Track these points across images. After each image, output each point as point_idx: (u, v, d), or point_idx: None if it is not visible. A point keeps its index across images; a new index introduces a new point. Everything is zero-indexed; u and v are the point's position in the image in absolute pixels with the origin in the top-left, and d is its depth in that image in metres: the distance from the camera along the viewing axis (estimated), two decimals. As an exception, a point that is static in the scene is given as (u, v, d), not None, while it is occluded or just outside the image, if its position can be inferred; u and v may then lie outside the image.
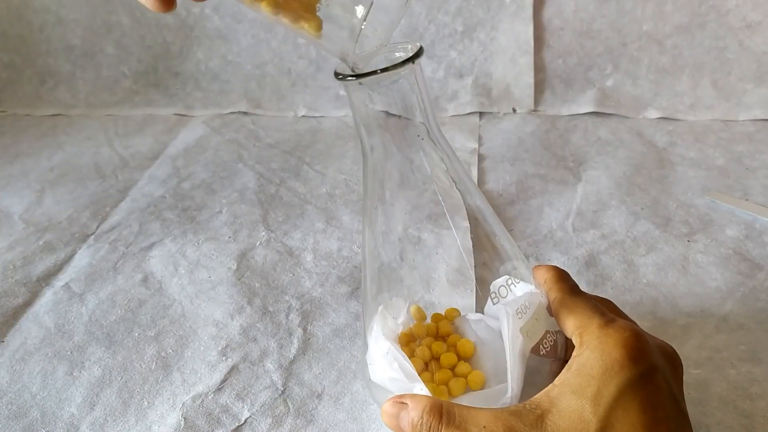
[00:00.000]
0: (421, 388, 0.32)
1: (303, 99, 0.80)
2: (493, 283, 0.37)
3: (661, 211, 0.57)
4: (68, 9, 0.81)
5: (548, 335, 0.34)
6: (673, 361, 0.29)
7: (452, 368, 0.36)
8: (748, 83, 0.73)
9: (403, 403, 0.30)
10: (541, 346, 0.33)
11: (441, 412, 0.28)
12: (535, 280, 0.37)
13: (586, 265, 0.51)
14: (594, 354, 0.27)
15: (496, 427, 0.27)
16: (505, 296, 0.36)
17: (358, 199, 0.61)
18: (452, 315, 0.41)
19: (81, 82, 0.83)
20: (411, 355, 0.35)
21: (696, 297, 0.47)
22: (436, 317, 0.40)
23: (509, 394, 0.32)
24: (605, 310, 0.30)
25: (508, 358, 0.32)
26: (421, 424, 0.28)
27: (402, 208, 0.37)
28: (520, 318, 0.33)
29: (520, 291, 0.36)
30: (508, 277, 0.37)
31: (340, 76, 0.31)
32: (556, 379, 0.28)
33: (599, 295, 0.34)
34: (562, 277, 0.34)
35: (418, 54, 0.32)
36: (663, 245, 0.53)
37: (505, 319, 0.33)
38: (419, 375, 0.33)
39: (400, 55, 0.34)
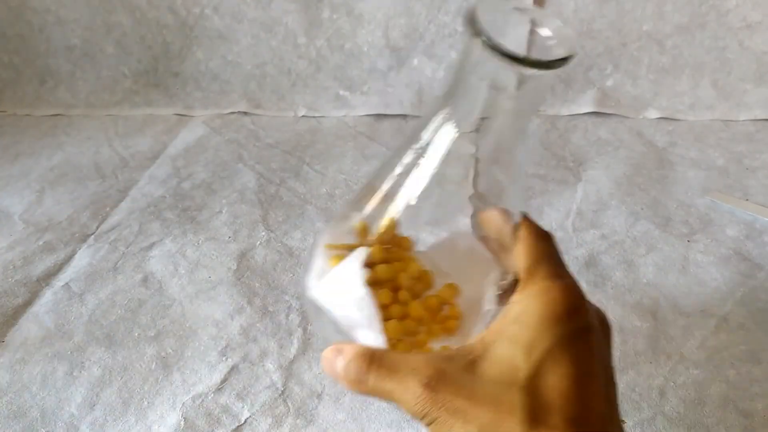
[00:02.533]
0: (375, 338, 0.30)
1: (303, 99, 0.80)
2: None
3: (661, 211, 0.57)
4: (68, 9, 0.81)
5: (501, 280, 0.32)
6: (604, 325, 0.29)
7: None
8: (748, 83, 0.73)
9: (339, 350, 0.30)
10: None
11: (371, 357, 0.29)
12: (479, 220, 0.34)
13: (586, 265, 0.51)
14: (533, 303, 0.27)
15: (426, 370, 0.27)
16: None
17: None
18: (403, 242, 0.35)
19: (81, 82, 0.82)
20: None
21: (696, 297, 0.47)
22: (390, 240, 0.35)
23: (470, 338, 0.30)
24: (559, 259, 0.30)
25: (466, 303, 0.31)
26: (349, 369, 0.29)
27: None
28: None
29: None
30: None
31: (495, 50, 0.25)
32: (492, 324, 0.28)
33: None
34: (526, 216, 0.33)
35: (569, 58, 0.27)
36: (663, 245, 0.53)
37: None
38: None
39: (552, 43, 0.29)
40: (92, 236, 0.57)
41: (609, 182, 0.62)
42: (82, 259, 0.54)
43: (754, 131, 0.70)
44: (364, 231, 0.35)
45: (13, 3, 0.81)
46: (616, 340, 0.44)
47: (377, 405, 0.40)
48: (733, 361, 0.42)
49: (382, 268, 0.33)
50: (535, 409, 0.25)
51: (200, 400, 0.41)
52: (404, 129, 0.75)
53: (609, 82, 0.76)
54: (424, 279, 0.34)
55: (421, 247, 0.35)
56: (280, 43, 0.80)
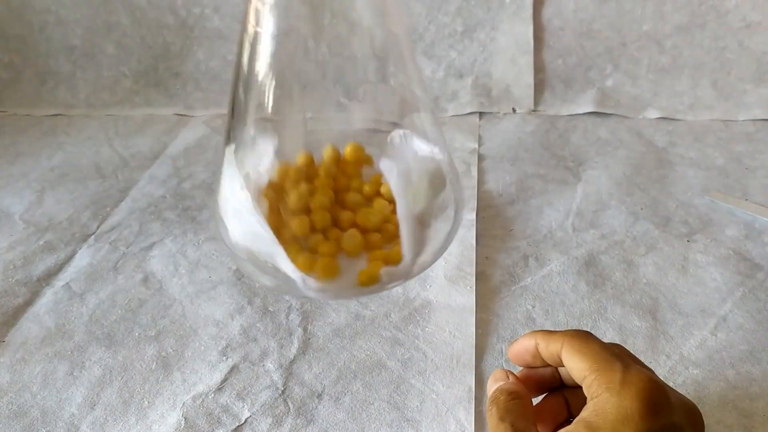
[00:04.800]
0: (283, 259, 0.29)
1: (303, 99, 0.80)
2: (392, 134, 0.33)
3: (660, 211, 0.58)
4: (68, 9, 0.81)
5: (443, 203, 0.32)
6: (695, 420, 0.27)
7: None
8: (747, 83, 0.73)
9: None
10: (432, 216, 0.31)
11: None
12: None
13: (586, 265, 0.51)
14: (613, 398, 0.26)
15: None
16: (398, 149, 0.32)
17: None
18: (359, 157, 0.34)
19: (81, 82, 0.83)
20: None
21: (696, 297, 0.47)
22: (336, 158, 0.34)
23: (405, 261, 0.30)
24: (623, 355, 0.29)
25: (400, 221, 0.30)
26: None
27: None
28: (405, 179, 0.30)
29: (418, 148, 0.33)
30: (405, 131, 0.33)
31: None
32: (575, 419, 0.27)
33: (613, 342, 0.32)
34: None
35: None
36: (663, 245, 0.53)
37: (393, 177, 0.30)
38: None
39: None
40: (92, 236, 0.57)
41: (609, 182, 0.62)
42: (82, 259, 0.54)
43: (753, 131, 0.71)
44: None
45: (14, 3, 0.81)
46: (616, 340, 0.44)
47: (377, 405, 0.40)
48: (733, 361, 0.42)
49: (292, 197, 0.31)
50: None
51: (200, 399, 0.41)
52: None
53: (609, 82, 0.76)
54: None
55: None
56: (280, 43, 0.80)
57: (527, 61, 0.76)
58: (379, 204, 0.33)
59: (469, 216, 0.57)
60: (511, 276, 0.50)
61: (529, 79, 0.77)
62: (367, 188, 0.34)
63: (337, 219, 0.32)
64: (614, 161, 0.66)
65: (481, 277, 0.50)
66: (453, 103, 0.77)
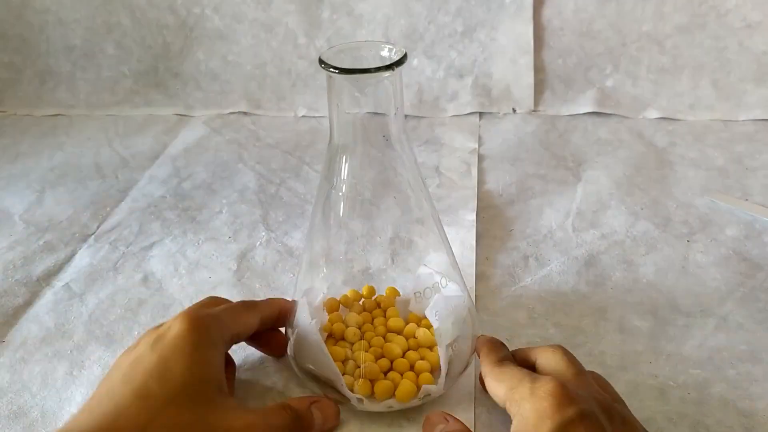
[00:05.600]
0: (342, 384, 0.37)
1: (303, 99, 0.80)
2: (419, 274, 0.42)
3: (661, 211, 0.58)
4: (68, 9, 0.81)
5: (459, 339, 0.39)
6: (609, 411, 0.31)
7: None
8: (748, 83, 0.73)
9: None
10: (451, 348, 0.39)
11: None
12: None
13: (586, 265, 0.51)
14: (528, 405, 0.31)
15: None
16: (430, 297, 0.40)
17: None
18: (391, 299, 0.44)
19: (81, 82, 0.83)
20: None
21: (696, 297, 0.47)
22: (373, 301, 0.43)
23: (440, 381, 0.38)
24: (532, 372, 0.34)
25: (439, 348, 0.38)
26: None
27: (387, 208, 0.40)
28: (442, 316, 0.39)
29: (449, 290, 0.40)
30: (441, 276, 0.40)
31: (324, 65, 0.32)
32: None
33: (593, 371, 0.37)
34: (493, 348, 0.38)
35: (403, 60, 0.33)
36: (663, 245, 0.53)
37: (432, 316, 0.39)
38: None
39: (386, 56, 0.35)
40: (92, 236, 0.57)
41: (609, 182, 0.62)
42: (82, 259, 0.54)
43: (754, 131, 0.71)
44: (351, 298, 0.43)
45: (14, 3, 0.81)
46: (616, 340, 0.44)
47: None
48: (733, 361, 0.42)
49: (338, 327, 0.41)
50: None
51: (200, 400, 0.41)
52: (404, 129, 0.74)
53: (609, 82, 0.76)
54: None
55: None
56: (280, 43, 0.80)
57: (527, 61, 0.76)
58: (423, 334, 0.40)
59: (469, 216, 0.57)
60: (511, 276, 0.50)
61: (529, 79, 0.77)
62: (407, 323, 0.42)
63: (387, 348, 0.40)
64: (614, 161, 0.66)
65: (481, 277, 0.50)
66: (453, 103, 0.77)
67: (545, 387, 0.31)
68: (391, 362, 0.39)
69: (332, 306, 0.42)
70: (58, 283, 0.52)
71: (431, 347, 0.40)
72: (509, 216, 0.58)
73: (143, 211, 0.61)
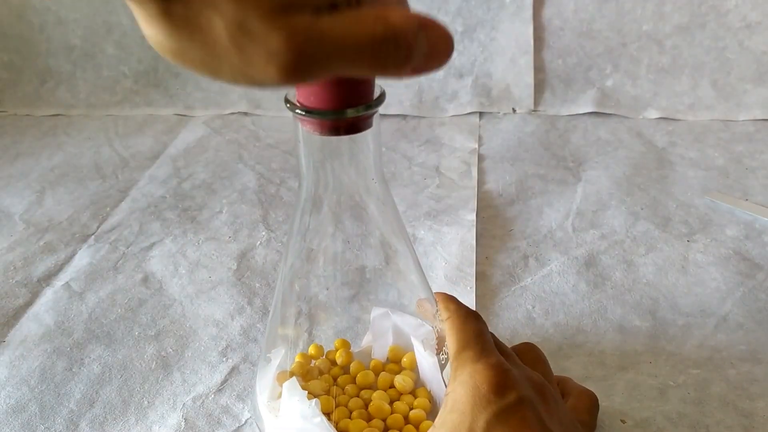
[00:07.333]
0: None
1: (303, 99, 0.80)
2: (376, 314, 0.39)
3: (660, 211, 0.58)
4: (68, 9, 0.81)
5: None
6: (543, 391, 0.30)
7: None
8: (747, 83, 0.73)
9: None
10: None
11: None
12: (421, 309, 0.37)
13: (586, 265, 0.51)
14: (463, 390, 0.29)
15: None
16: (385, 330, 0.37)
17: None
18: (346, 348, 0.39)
19: (81, 82, 0.83)
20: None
21: (696, 297, 0.47)
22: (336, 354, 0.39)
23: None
24: (485, 338, 0.32)
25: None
26: None
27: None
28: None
29: (405, 325, 0.37)
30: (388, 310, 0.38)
31: (290, 105, 0.29)
32: (437, 419, 0.30)
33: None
34: (452, 298, 0.35)
35: (381, 99, 0.29)
36: (663, 245, 0.53)
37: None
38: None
39: None
40: (92, 236, 0.57)
41: (609, 182, 0.62)
42: (82, 259, 0.54)
43: (753, 131, 0.71)
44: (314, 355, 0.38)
45: (14, 3, 0.81)
46: (617, 340, 0.44)
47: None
48: (733, 361, 0.42)
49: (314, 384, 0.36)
50: None
51: (201, 400, 0.41)
52: (404, 129, 0.75)
53: (609, 82, 0.76)
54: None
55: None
56: (280, 43, 0.80)
57: (527, 61, 0.76)
58: (401, 381, 0.37)
59: (469, 216, 0.57)
60: (511, 276, 0.50)
61: (529, 79, 0.77)
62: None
63: (376, 407, 0.36)
64: (614, 161, 0.66)
65: (481, 277, 0.50)
66: (453, 103, 0.77)
67: (485, 371, 0.29)
68: (384, 421, 0.35)
69: (284, 378, 0.36)
70: (59, 283, 0.52)
71: (413, 392, 0.36)
72: (509, 216, 0.58)
73: (143, 211, 0.61)
